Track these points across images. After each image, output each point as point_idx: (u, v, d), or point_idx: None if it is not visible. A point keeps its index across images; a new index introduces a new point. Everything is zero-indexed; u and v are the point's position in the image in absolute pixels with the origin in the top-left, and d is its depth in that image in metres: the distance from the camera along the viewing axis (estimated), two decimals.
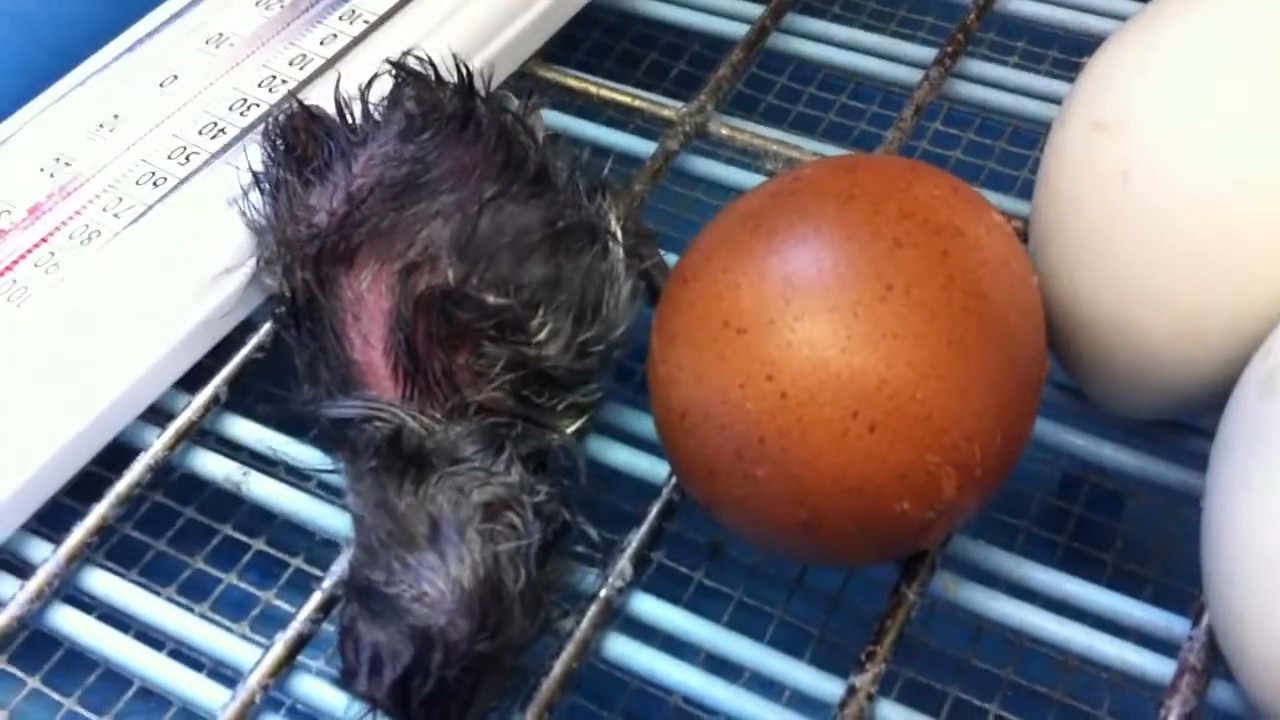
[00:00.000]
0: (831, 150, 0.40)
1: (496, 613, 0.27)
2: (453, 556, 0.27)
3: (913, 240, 0.28)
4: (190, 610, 0.33)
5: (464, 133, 0.32)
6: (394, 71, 0.34)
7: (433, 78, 0.34)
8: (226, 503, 0.36)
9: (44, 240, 0.35)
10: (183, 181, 0.36)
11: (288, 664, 0.31)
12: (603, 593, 0.31)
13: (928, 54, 0.42)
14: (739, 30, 0.43)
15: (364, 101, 0.33)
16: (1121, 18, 0.42)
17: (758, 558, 0.37)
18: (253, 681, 0.30)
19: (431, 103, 0.33)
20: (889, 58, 0.43)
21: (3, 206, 0.36)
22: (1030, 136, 0.42)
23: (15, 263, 0.35)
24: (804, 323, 0.27)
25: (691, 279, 0.29)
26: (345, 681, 0.28)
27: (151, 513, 0.36)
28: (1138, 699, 0.32)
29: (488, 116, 0.33)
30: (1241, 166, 0.29)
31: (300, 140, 0.33)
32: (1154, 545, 0.36)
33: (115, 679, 0.33)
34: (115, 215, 0.36)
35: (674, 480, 0.33)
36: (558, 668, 0.30)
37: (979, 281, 0.28)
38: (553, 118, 0.41)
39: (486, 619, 0.27)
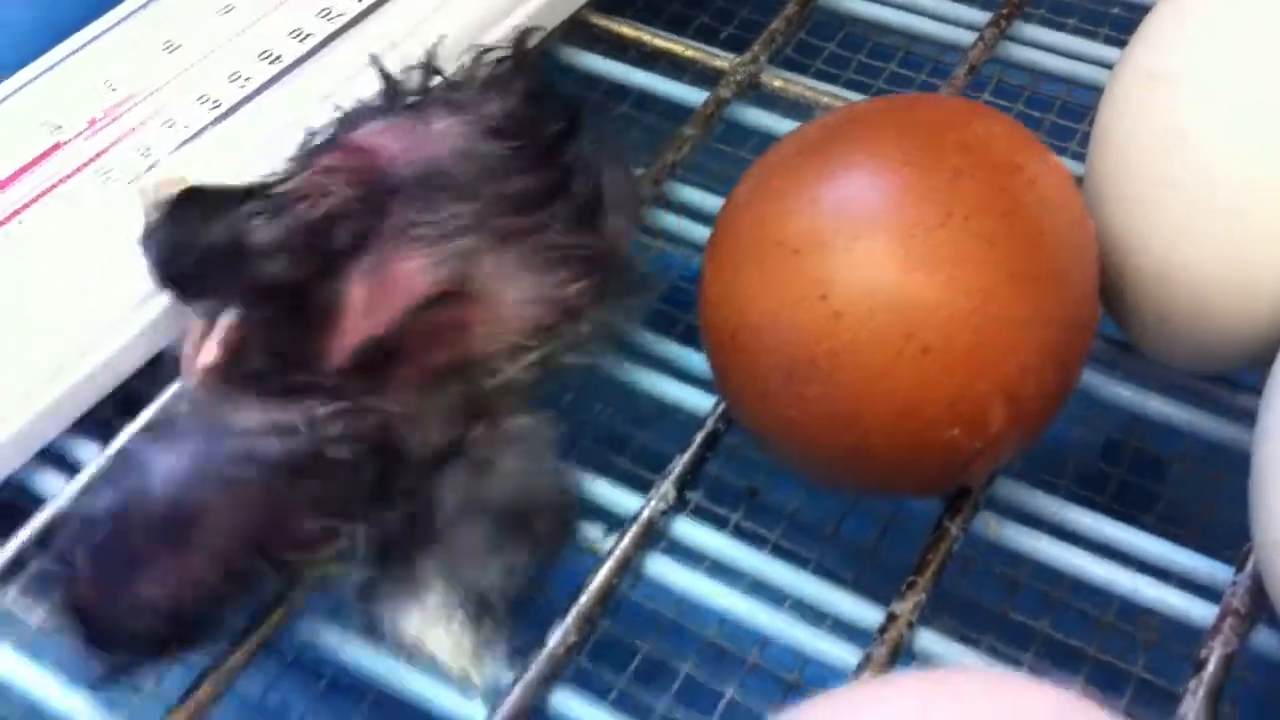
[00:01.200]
0: None
1: None
2: None
3: (972, 171, 0.28)
4: None
5: (542, 167, 0.31)
6: (514, 54, 0.34)
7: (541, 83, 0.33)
8: None
9: (99, 154, 0.36)
10: (237, 105, 0.37)
11: None
12: (645, 514, 0.31)
13: (982, 17, 0.42)
14: None
15: (475, 72, 0.33)
16: None
17: (795, 504, 0.37)
18: None
19: (530, 118, 0.32)
20: (943, 19, 0.43)
21: (62, 120, 0.37)
22: (1082, 107, 0.42)
23: (72, 173, 0.35)
24: (861, 244, 0.27)
25: (745, 203, 0.29)
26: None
27: None
28: (1172, 658, 0.31)
29: (575, 163, 0.32)
30: None
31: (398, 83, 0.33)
32: (1197, 508, 0.36)
33: None
34: (170, 132, 0.36)
35: (719, 411, 0.33)
36: (597, 581, 0.30)
37: (1038, 218, 0.28)
38: (604, 65, 0.42)
39: None
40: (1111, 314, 0.33)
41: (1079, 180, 0.33)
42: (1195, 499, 0.36)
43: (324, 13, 0.39)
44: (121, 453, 0.31)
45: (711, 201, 0.37)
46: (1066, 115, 0.43)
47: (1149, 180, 0.31)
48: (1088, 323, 0.29)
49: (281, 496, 0.27)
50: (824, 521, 0.35)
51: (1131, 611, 0.32)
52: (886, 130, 0.29)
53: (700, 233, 0.37)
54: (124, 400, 0.33)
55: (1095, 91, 0.39)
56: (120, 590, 0.27)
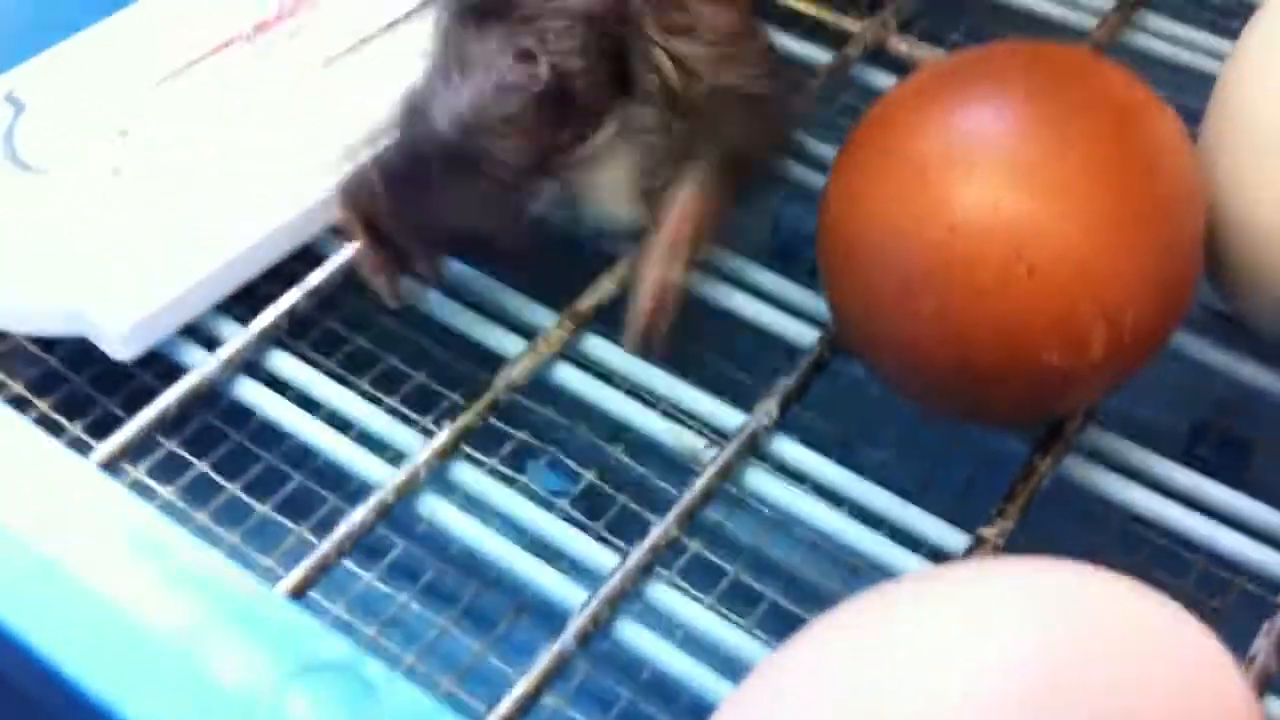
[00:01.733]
0: None
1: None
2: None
3: (1092, 108, 0.29)
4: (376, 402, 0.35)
5: None
6: None
7: None
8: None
9: (261, 56, 0.38)
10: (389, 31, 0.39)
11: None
12: (748, 427, 0.32)
13: (1108, 3, 0.43)
14: None
15: None
16: None
17: (889, 453, 0.38)
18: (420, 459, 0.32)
19: None
20: (1070, 4, 0.44)
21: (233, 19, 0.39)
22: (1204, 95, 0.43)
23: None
24: (980, 167, 0.28)
25: (877, 122, 0.31)
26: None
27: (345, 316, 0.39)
28: (1250, 602, 0.32)
29: None
30: None
31: None
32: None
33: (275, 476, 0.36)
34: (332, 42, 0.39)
35: (826, 339, 0.34)
36: (699, 484, 0.31)
37: (1152, 159, 0.29)
38: None
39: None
40: (1213, 281, 0.34)
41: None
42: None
43: None
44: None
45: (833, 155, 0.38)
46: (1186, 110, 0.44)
47: (1260, 146, 0.32)
48: (1191, 267, 0.31)
49: (543, 117, 0.32)
50: (919, 466, 0.37)
51: (1215, 560, 0.32)
52: (1014, 67, 0.30)
53: (821, 182, 0.38)
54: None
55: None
56: (413, 208, 0.33)
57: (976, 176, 0.28)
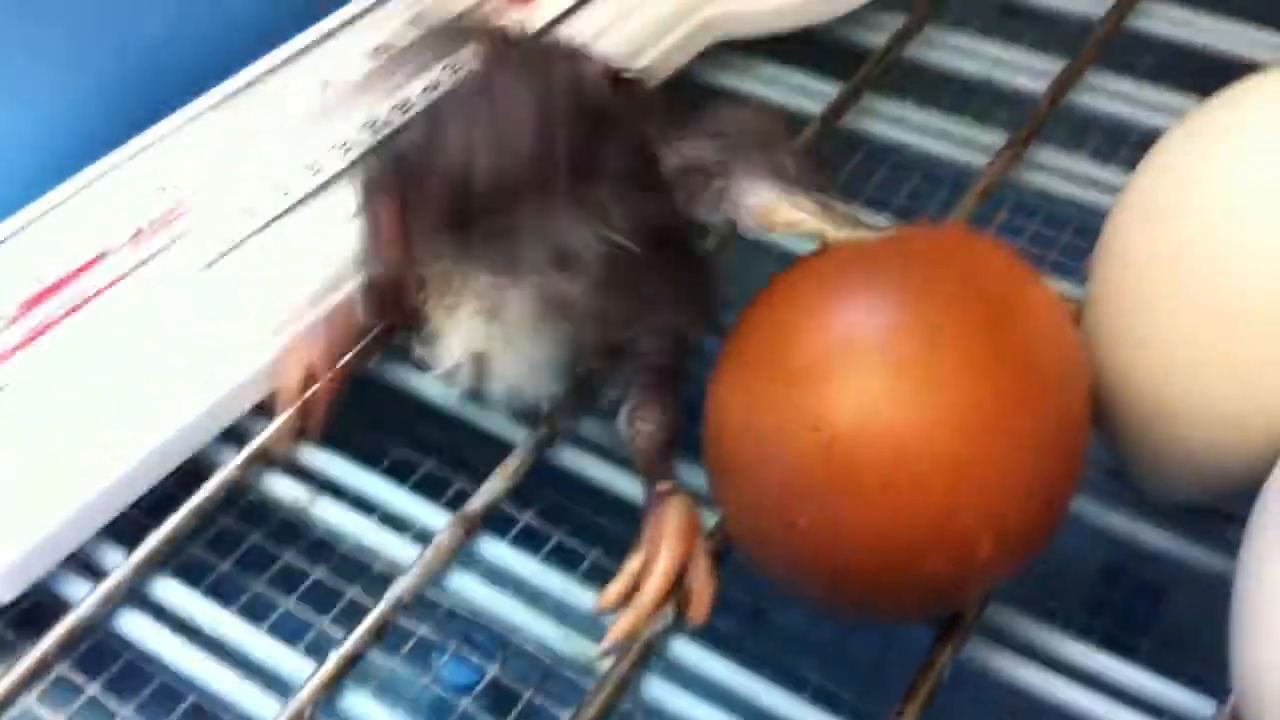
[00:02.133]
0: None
1: None
2: None
3: (964, 303, 0.29)
4: (252, 627, 0.34)
5: None
6: None
7: None
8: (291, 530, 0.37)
9: (143, 262, 0.37)
10: (277, 218, 0.38)
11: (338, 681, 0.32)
12: (644, 634, 0.32)
13: (999, 140, 0.43)
14: (814, 108, 0.45)
15: None
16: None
17: (800, 622, 0.38)
18: (304, 695, 0.31)
19: None
20: (961, 142, 0.44)
21: (110, 229, 0.38)
22: (1096, 230, 0.43)
23: (114, 282, 0.37)
24: (852, 377, 0.28)
25: (750, 330, 0.30)
26: None
27: (220, 534, 0.38)
28: None
29: None
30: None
31: None
32: (1192, 636, 0.36)
33: (169, 696, 0.34)
34: (211, 245, 0.38)
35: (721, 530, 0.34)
36: (595, 705, 0.31)
37: (1027, 348, 0.29)
38: None
39: None
40: (1106, 445, 0.34)
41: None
42: (1193, 624, 0.36)
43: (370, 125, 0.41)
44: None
45: None
46: (1084, 233, 0.44)
47: (1141, 313, 0.32)
48: (1077, 455, 0.30)
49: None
50: (827, 640, 0.36)
51: None
52: (888, 264, 0.30)
53: None
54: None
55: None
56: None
57: (851, 384, 0.28)
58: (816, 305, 0.29)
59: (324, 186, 0.39)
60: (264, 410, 0.36)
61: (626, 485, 0.35)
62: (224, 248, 0.38)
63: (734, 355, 0.30)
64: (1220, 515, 0.34)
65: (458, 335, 0.32)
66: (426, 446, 0.40)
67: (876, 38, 0.48)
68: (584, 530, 0.37)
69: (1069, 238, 0.43)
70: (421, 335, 0.33)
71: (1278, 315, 0.30)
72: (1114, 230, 0.33)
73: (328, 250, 0.37)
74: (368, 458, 0.37)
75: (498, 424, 0.37)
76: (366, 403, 0.38)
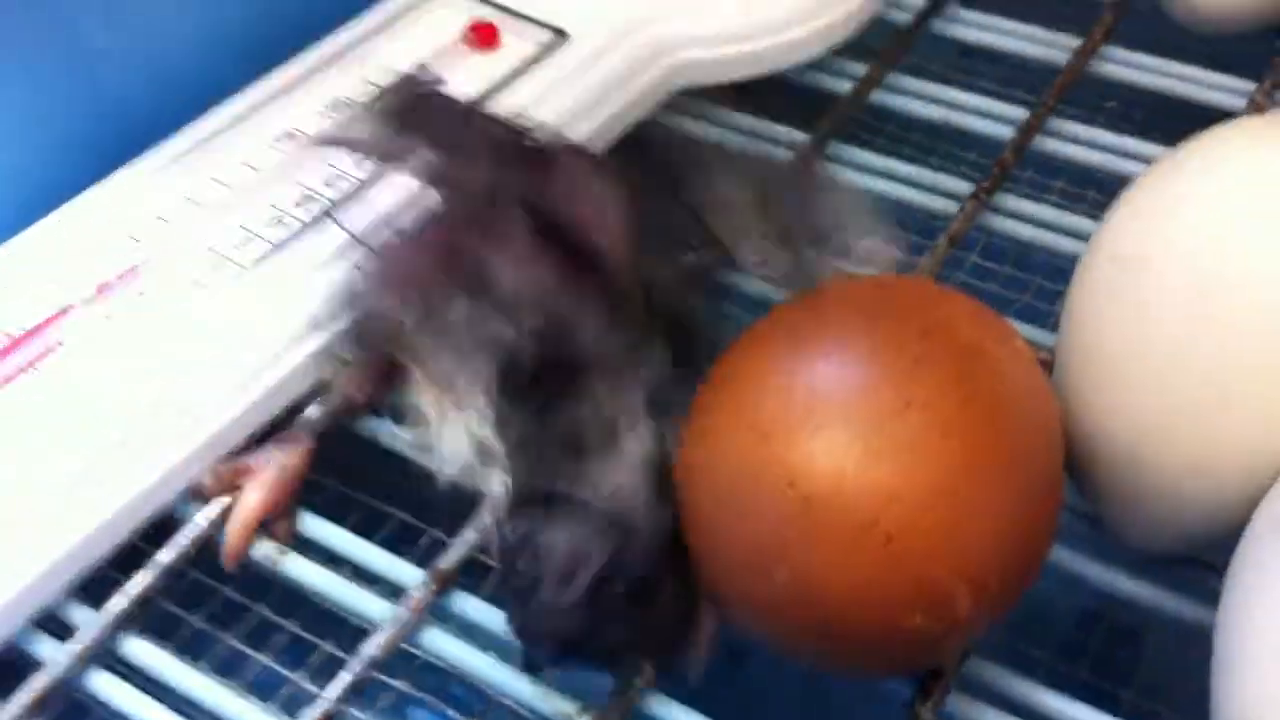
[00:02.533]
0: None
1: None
2: (631, 452, 0.28)
3: (933, 358, 0.29)
4: (225, 685, 0.34)
5: None
6: None
7: None
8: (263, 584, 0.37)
9: (107, 318, 0.37)
10: (242, 270, 0.38)
11: None
12: (626, 692, 0.32)
13: (966, 187, 0.44)
14: (844, 85, 0.47)
15: None
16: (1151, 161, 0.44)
17: (776, 677, 0.37)
18: None
19: None
20: (928, 189, 0.44)
21: (73, 282, 0.38)
22: (1066, 273, 0.43)
23: (77, 336, 0.37)
24: (825, 432, 0.28)
25: (722, 382, 0.30)
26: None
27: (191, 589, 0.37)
28: None
29: None
30: (1256, 310, 0.30)
31: None
32: (1173, 684, 0.36)
33: None
34: (172, 298, 0.38)
35: None
36: None
37: (998, 402, 0.29)
38: None
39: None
40: (1081, 492, 0.34)
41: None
42: (1173, 674, 0.36)
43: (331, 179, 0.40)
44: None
45: None
46: (1054, 277, 0.44)
47: (1112, 363, 0.32)
48: (1052, 506, 0.30)
49: None
50: (805, 693, 0.36)
51: None
52: (856, 317, 0.30)
53: None
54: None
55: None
56: None
57: (822, 442, 0.28)
58: (787, 359, 0.29)
59: (291, 238, 0.39)
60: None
61: None
62: (187, 302, 0.37)
63: (706, 407, 0.30)
64: (1200, 564, 0.34)
65: (458, 431, 0.31)
66: (396, 498, 0.40)
67: (840, 84, 0.48)
68: None
69: (1041, 281, 0.44)
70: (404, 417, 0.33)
71: (1251, 364, 0.30)
72: (1083, 278, 0.33)
73: (294, 305, 0.36)
74: (338, 508, 0.37)
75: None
76: (335, 452, 0.37)
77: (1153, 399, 0.31)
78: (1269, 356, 0.30)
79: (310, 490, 0.36)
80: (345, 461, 0.38)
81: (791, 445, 0.28)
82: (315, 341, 0.36)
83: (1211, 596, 0.33)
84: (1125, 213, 0.33)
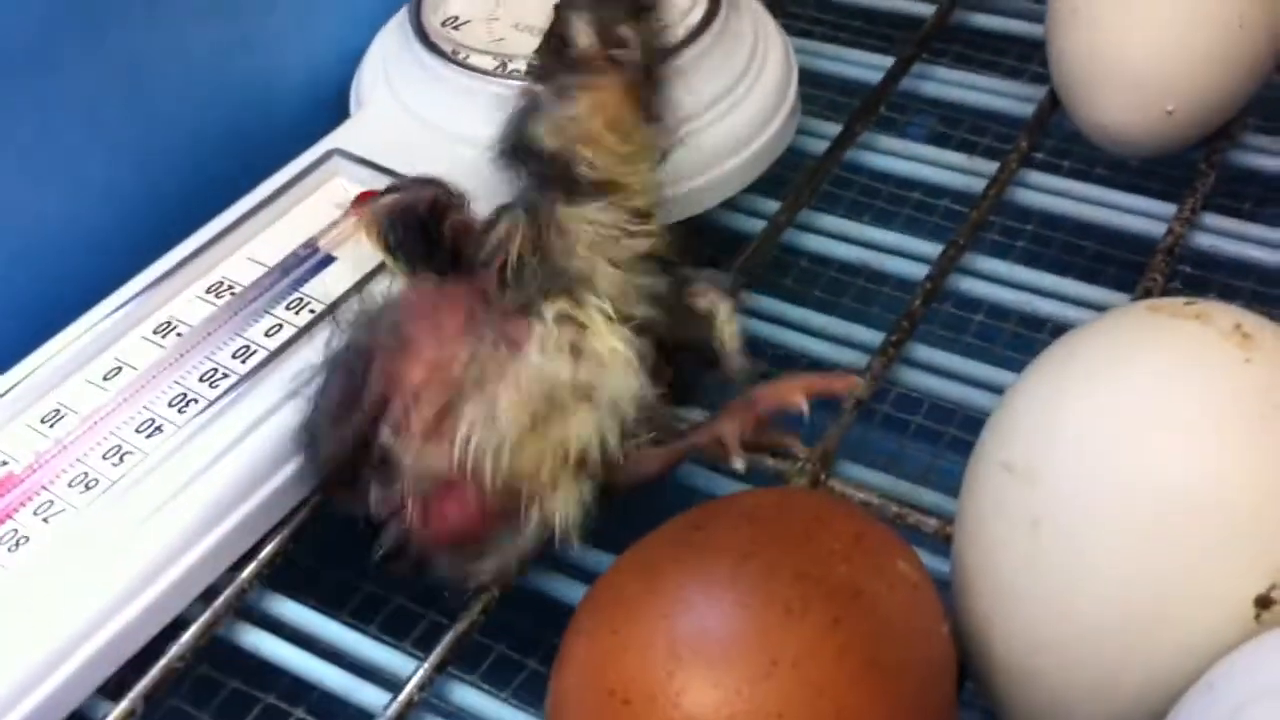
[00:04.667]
0: None
1: None
2: None
3: (804, 607, 0.28)
4: None
5: None
6: None
7: None
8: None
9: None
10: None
11: None
12: None
13: (876, 337, 0.42)
14: (756, 225, 0.46)
15: None
16: (1068, 299, 0.43)
17: None
18: None
19: None
20: (839, 340, 0.43)
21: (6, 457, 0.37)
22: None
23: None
24: (687, 698, 0.27)
25: (584, 633, 0.29)
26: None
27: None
28: None
29: None
30: (1143, 527, 0.29)
31: None
32: None
33: None
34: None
35: None
36: None
37: (875, 648, 0.28)
38: None
39: None
40: (981, 695, 0.32)
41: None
42: None
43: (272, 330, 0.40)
44: None
45: None
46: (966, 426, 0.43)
47: (1005, 577, 0.31)
48: None
49: None
50: None
51: None
52: (723, 560, 0.29)
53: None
54: None
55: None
56: None
57: (683, 709, 0.26)
58: (648, 610, 0.28)
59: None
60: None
61: None
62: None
63: (567, 663, 0.29)
64: None
65: None
66: (391, 582, 0.40)
67: (754, 224, 0.47)
68: None
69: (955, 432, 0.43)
70: None
71: (1148, 585, 0.29)
72: (972, 482, 0.32)
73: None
74: (336, 596, 0.38)
75: None
76: (330, 536, 0.37)
77: (1045, 617, 0.30)
78: (1166, 574, 0.29)
79: (309, 580, 0.38)
80: (341, 546, 0.37)
81: (652, 712, 0.27)
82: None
83: None
84: (1011, 416, 0.32)
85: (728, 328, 0.37)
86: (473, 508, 0.33)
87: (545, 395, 0.33)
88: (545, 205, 0.35)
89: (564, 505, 0.34)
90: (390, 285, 0.38)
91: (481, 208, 0.37)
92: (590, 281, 0.35)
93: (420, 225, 0.37)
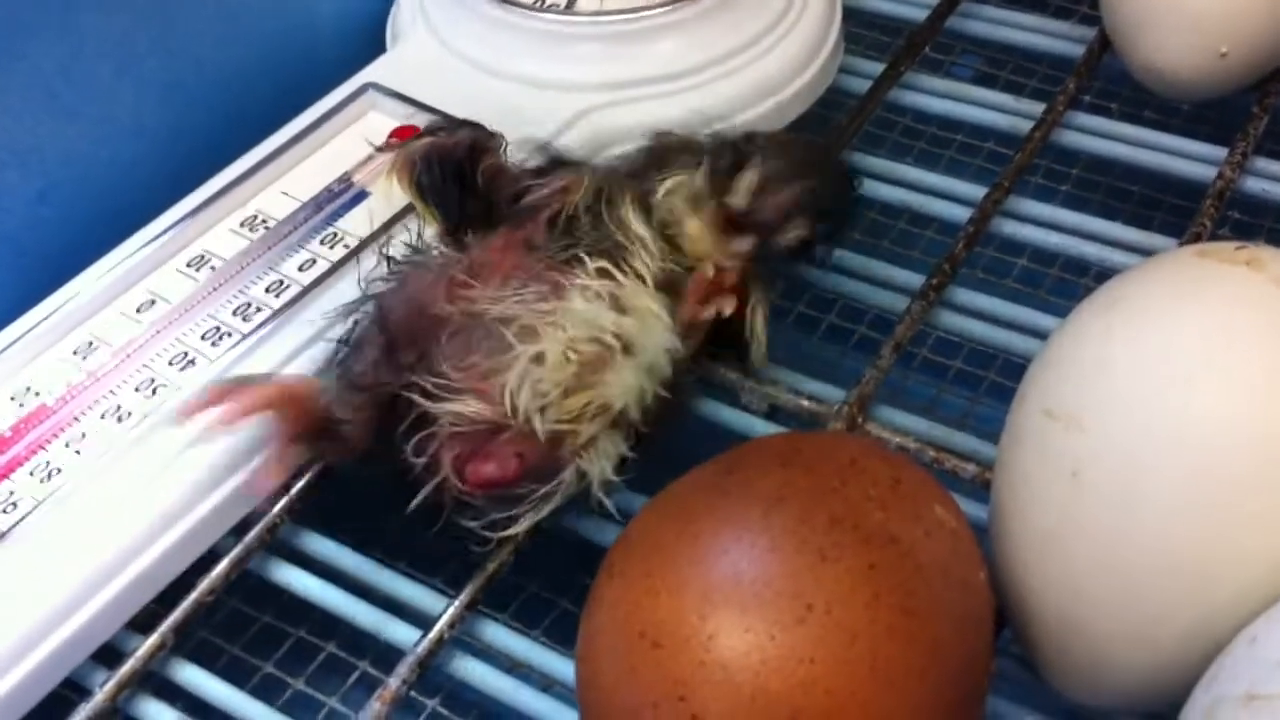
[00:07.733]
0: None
1: None
2: None
3: (838, 553, 0.27)
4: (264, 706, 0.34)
5: None
6: None
7: None
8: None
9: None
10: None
11: None
12: None
13: (917, 279, 0.42)
14: None
15: None
16: (1114, 243, 0.42)
17: None
18: None
19: None
20: (880, 283, 0.43)
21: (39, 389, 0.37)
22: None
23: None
24: (718, 642, 0.26)
25: (617, 575, 0.28)
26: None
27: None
28: None
29: None
30: (1190, 476, 0.28)
31: None
32: None
33: None
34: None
35: None
36: None
37: (909, 595, 0.27)
38: None
39: None
40: (1018, 644, 0.32)
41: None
42: None
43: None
44: None
45: None
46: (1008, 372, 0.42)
47: (1045, 526, 0.30)
48: (975, 690, 0.28)
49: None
50: None
51: None
52: (755, 506, 0.28)
53: None
54: None
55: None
56: None
57: (714, 653, 0.26)
58: (680, 555, 0.27)
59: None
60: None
61: None
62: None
63: (599, 604, 0.29)
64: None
65: None
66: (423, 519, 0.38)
67: None
68: None
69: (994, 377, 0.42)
70: None
71: (1189, 532, 0.28)
72: (1015, 431, 0.31)
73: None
74: (367, 533, 0.38)
75: None
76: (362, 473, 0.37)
77: (1085, 566, 0.29)
78: (1211, 525, 0.28)
79: (340, 516, 0.38)
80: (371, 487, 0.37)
81: (682, 655, 0.26)
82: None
83: None
84: (1055, 362, 0.31)
85: (759, 318, 0.37)
86: (511, 459, 0.33)
87: (590, 341, 0.33)
88: (627, 181, 0.36)
89: (601, 459, 0.33)
90: (420, 228, 0.37)
91: (515, 147, 0.36)
92: (632, 253, 0.34)
93: (455, 169, 0.37)
